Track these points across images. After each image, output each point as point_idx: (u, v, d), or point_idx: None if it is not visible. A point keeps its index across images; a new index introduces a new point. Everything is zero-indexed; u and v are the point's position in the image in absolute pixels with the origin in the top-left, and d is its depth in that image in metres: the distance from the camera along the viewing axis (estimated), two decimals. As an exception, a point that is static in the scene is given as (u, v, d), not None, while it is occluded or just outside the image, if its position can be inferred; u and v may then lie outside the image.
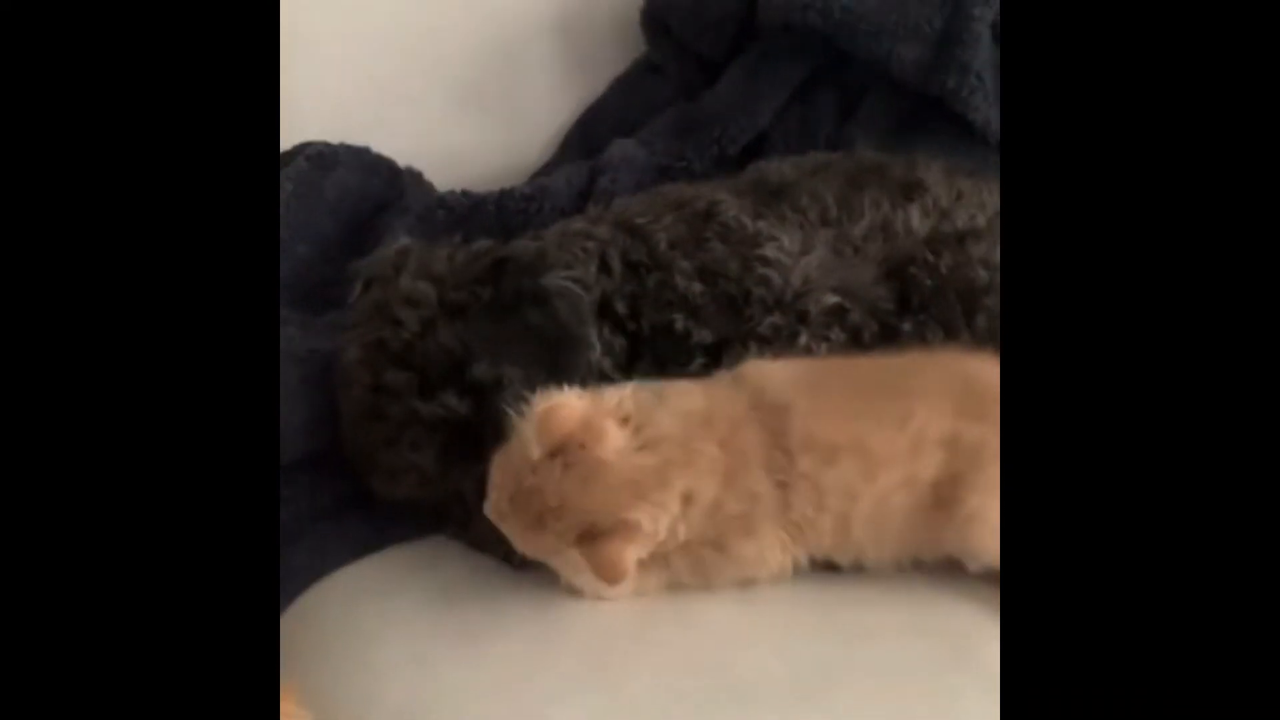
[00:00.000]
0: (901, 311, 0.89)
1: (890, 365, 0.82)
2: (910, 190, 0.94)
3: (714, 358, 0.86)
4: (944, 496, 0.75)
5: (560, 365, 0.81)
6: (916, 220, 0.92)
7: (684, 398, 0.79)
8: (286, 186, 1.04)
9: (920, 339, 0.87)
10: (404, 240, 0.90)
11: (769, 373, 0.81)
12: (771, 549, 0.77)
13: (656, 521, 0.74)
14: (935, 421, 0.76)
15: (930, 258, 0.89)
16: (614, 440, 0.75)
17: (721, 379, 0.82)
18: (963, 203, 0.94)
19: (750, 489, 0.76)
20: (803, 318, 0.86)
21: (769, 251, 0.88)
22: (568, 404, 0.75)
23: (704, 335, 0.87)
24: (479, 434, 0.80)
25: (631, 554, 0.74)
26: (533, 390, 0.78)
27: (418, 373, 0.80)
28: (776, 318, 0.86)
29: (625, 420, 0.76)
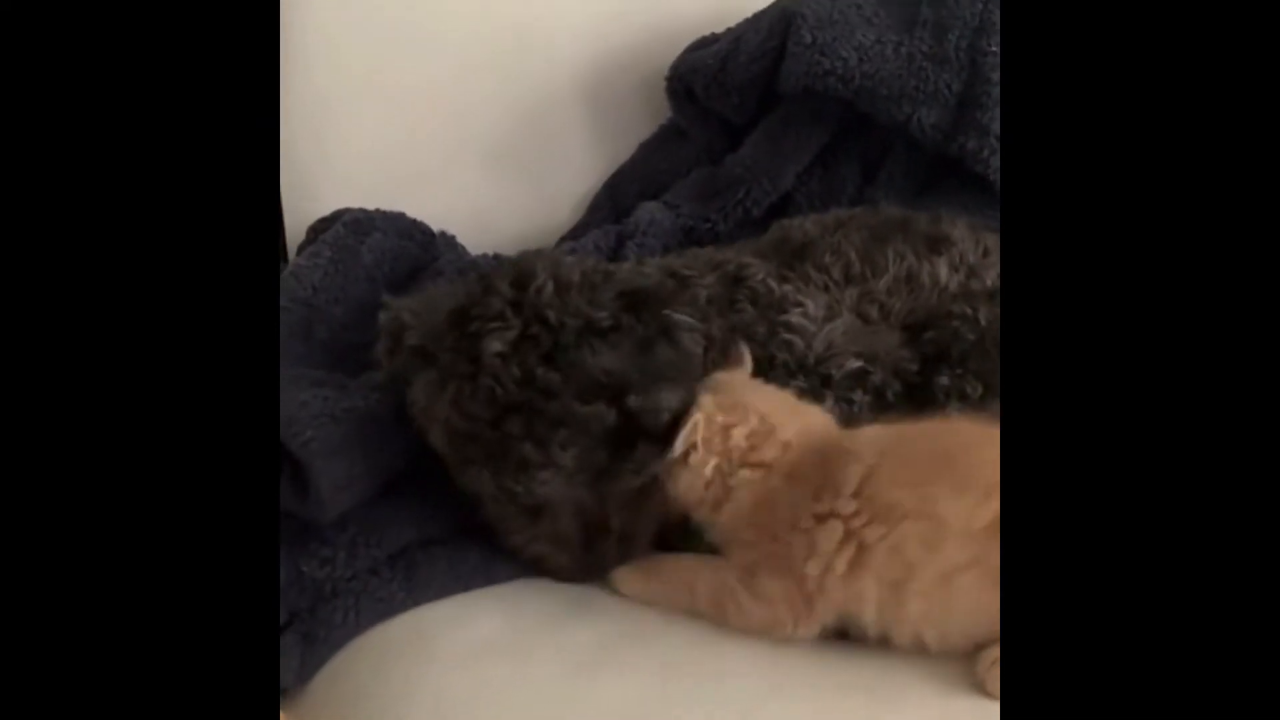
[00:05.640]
0: (925, 369, 0.89)
1: (975, 430, 0.76)
2: (936, 244, 0.95)
3: None
4: None
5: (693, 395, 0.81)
6: (944, 274, 0.93)
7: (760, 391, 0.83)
8: (325, 252, 1.06)
9: (960, 394, 0.88)
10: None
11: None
12: (800, 599, 0.76)
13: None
14: None
15: (969, 311, 0.90)
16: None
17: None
18: (989, 259, 0.95)
19: (797, 513, 0.76)
20: (826, 381, 0.87)
21: (794, 318, 0.89)
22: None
23: None
24: (619, 441, 0.80)
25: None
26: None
27: (566, 377, 0.79)
28: (800, 381, 0.87)
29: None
